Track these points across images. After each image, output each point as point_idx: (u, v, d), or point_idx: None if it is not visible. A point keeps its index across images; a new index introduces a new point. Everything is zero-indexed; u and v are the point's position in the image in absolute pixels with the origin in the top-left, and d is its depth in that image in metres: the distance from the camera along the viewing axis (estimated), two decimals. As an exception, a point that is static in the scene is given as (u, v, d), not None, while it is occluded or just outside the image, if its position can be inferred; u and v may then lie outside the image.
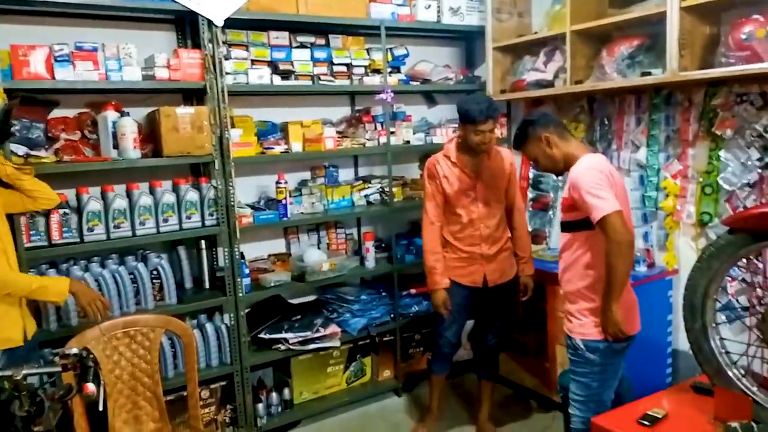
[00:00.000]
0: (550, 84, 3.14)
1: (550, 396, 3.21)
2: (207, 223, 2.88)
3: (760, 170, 2.53)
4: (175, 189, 2.85)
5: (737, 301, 2.68)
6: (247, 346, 3.01)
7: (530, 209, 3.69)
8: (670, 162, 2.89)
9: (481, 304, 2.90)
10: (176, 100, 2.96)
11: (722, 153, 2.66)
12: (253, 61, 3.02)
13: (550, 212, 3.57)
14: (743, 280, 2.66)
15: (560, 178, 3.46)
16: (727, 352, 1.69)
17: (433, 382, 3.03)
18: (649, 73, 2.64)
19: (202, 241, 3.03)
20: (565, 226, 2.18)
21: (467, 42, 3.90)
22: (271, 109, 3.30)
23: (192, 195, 2.83)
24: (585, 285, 2.10)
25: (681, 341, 2.95)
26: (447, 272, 2.81)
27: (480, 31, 3.52)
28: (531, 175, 3.64)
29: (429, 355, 3.14)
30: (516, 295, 2.94)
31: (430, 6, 3.42)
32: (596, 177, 1.98)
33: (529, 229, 3.68)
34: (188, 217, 2.84)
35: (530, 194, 3.67)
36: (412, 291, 3.50)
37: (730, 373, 1.66)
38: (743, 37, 2.30)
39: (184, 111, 2.75)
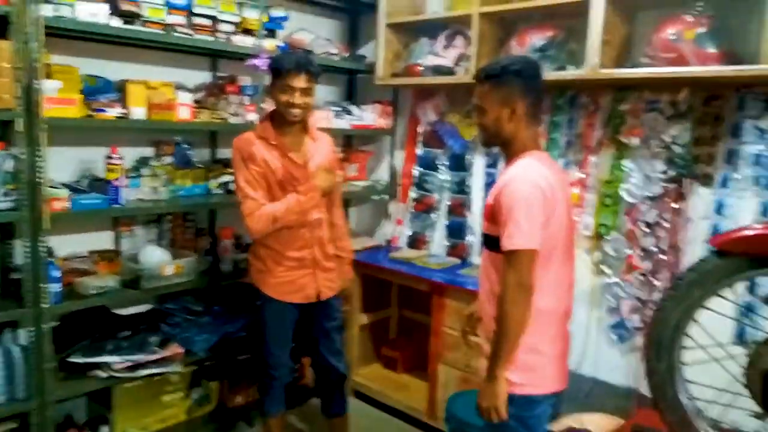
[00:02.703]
0: (449, 71, 2.79)
1: (429, 422, 2.87)
2: (0, 206, 2.06)
3: (663, 183, 2.42)
4: (-50, 155, 2.00)
5: (630, 320, 2.57)
6: (51, 373, 2.23)
7: (413, 210, 3.33)
8: (570, 169, 2.70)
9: (316, 323, 2.42)
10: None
11: (626, 162, 2.52)
12: (83, -7, 2.25)
13: (433, 215, 3.24)
14: (638, 298, 2.55)
15: (443, 176, 3.16)
16: (694, 399, 1.43)
17: (271, 428, 2.46)
18: (564, 68, 2.40)
19: (-9, 231, 2.19)
20: (488, 242, 1.72)
21: (352, 15, 3.44)
22: (105, 62, 2.53)
23: (-23, 165, 2.01)
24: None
25: (572, 362, 2.78)
26: (268, 290, 2.32)
27: (369, 3, 3.09)
28: (416, 173, 3.28)
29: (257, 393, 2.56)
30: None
31: (316, -37, 2.90)
32: (529, 196, 1.56)
33: (410, 233, 3.37)
34: (-31, 196, 2.00)
35: (413, 194, 3.32)
36: (276, 300, 2.93)
37: (698, 425, 1.40)
38: (671, 37, 2.13)
39: (-29, 44, 1.92)
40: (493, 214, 1.65)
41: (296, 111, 2.16)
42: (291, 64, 2.11)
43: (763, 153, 2.17)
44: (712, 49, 2.06)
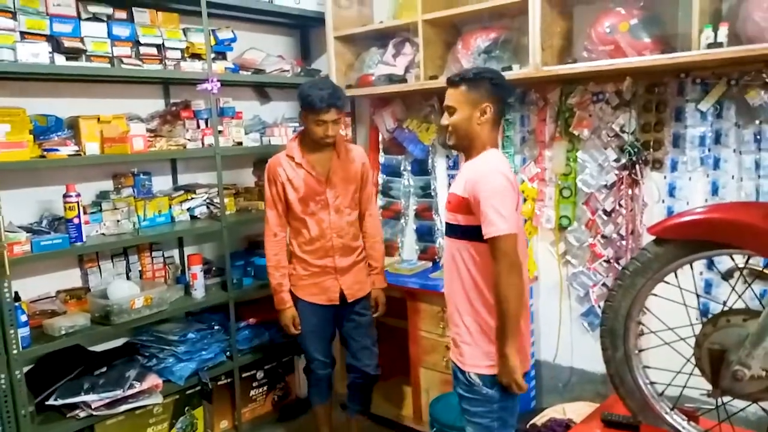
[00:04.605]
0: (402, 79, 2.83)
1: (416, 427, 2.89)
2: (-43, 256, 2.04)
3: (617, 171, 2.47)
4: None
5: (599, 307, 2.62)
6: (29, 419, 2.21)
7: (380, 218, 3.35)
8: (527, 165, 2.75)
9: (344, 322, 2.56)
10: None
11: (579, 154, 2.57)
12: (24, 34, 2.25)
13: (402, 221, 3.28)
14: (604, 284, 2.60)
15: (408, 180, 3.19)
16: (652, 383, 1.48)
17: (318, 415, 2.69)
18: (510, 68, 2.45)
19: (-49, 282, 2.16)
20: (454, 231, 1.82)
21: (302, 30, 3.46)
22: (53, 100, 2.52)
23: (-71, 217, 1.98)
24: (479, 305, 1.76)
25: (543, 351, 2.84)
26: (298, 291, 2.47)
27: (318, 17, 3.11)
28: (381, 181, 3.31)
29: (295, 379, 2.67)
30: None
31: (260, -17, 2.92)
32: (504, 187, 1.69)
33: (380, 239, 3.39)
34: (-76, 250, 1.97)
35: (380, 201, 3.34)
36: (252, 321, 2.94)
37: (658, 407, 1.45)
38: (606, 30, 2.18)
39: None
40: (466, 207, 1.74)
41: (329, 140, 2.35)
42: (322, 102, 2.26)
43: (705, 134, 2.23)
44: (646, 39, 2.12)
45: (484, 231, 1.68)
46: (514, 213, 1.69)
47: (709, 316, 1.54)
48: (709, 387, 1.37)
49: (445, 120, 1.84)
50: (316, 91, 2.27)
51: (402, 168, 3.23)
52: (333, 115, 2.30)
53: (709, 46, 1.92)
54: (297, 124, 3.14)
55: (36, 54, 2.22)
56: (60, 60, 2.31)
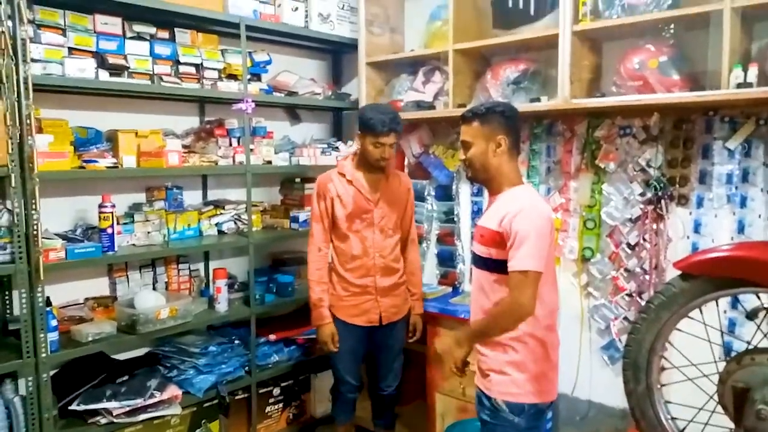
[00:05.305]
0: (430, 106, 2.88)
1: (430, 451, 2.88)
2: (-4, 259, 2.12)
3: (642, 205, 2.48)
4: (-53, 212, 2.06)
5: (620, 341, 2.61)
6: (51, 423, 2.26)
7: (403, 241, 3.39)
8: (551, 195, 2.77)
9: (376, 343, 2.61)
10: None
11: (605, 186, 2.58)
12: (71, 50, 2.36)
13: (424, 245, 3.30)
14: (625, 318, 2.59)
15: (432, 205, 3.22)
16: (674, 419, 1.47)
17: None
18: (539, 100, 2.49)
19: (-11, 284, 2.25)
20: (486, 264, 1.85)
21: (334, 55, 3.55)
22: (95, 113, 2.62)
23: (-26, 221, 2.07)
24: (506, 336, 1.79)
25: (561, 383, 2.80)
26: (337, 312, 2.53)
27: (350, 44, 3.19)
28: (404, 205, 3.34)
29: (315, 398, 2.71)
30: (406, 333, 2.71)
31: (297, 9, 3.01)
32: (543, 226, 1.73)
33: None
34: (-33, 252, 2.06)
35: (403, 225, 3.38)
36: (272, 337, 2.97)
37: (679, 444, 1.45)
38: (636, 66, 2.22)
39: (-35, 105, 2.00)
40: (499, 241, 1.78)
41: (383, 162, 2.44)
42: (384, 126, 2.35)
43: (733, 172, 2.24)
44: (675, 76, 2.15)
45: (511, 263, 1.71)
46: (545, 253, 1.73)
47: (733, 354, 1.54)
48: (732, 425, 1.36)
49: (462, 155, 1.91)
50: (378, 115, 2.37)
51: (426, 193, 3.26)
52: (392, 139, 2.39)
53: (739, 85, 1.94)
54: (325, 146, 3.21)
55: (82, 69, 2.33)
56: (104, 75, 2.40)
